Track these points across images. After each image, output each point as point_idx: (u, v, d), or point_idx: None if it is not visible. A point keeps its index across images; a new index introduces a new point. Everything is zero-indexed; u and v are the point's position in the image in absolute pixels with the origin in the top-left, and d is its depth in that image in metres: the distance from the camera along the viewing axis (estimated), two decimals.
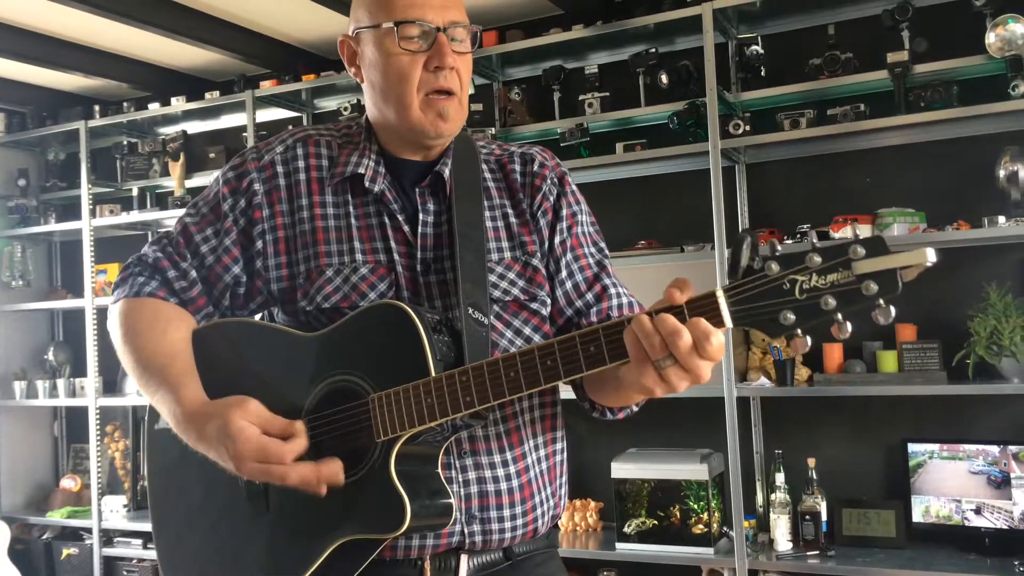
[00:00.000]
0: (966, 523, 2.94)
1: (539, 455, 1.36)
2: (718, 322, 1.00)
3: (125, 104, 4.42)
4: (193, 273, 1.37)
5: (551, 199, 1.40)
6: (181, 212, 4.46)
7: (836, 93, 3.18)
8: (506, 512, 1.29)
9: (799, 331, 0.96)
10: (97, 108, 4.46)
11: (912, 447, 3.04)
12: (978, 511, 2.92)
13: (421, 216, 1.34)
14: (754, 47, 3.27)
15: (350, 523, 1.18)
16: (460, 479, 1.28)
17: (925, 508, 3.01)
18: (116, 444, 4.45)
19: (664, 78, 3.36)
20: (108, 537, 4.24)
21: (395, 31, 1.28)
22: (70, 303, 4.44)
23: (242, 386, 1.24)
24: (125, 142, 4.52)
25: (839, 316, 0.94)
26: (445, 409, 1.15)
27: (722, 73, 3.24)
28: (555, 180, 1.41)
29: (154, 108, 4.29)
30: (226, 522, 1.30)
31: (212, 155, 4.31)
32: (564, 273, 1.39)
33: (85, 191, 4.34)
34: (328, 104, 4.19)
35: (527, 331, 1.34)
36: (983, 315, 2.81)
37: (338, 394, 1.23)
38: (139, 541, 4.13)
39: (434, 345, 1.18)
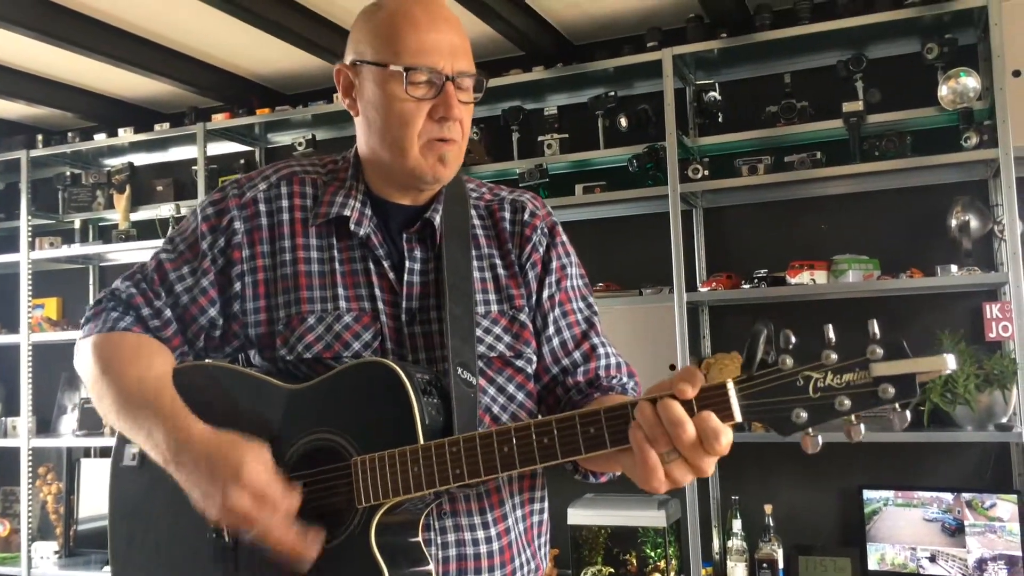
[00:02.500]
0: (921, 571, 2.93)
1: (519, 514, 1.30)
2: (727, 416, 0.95)
3: (70, 134, 4.28)
4: (167, 312, 1.30)
5: (540, 250, 1.34)
6: (125, 246, 4.32)
7: (791, 141, 3.22)
8: None
9: (810, 430, 0.93)
10: (40, 137, 4.32)
11: (867, 494, 3.04)
12: (933, 559, 2.92)
13: (408, 264, 1.28)
14: (712, 93, 3.30)
15: None
16: (438, 541, 1.21)
17: (880, 556, 3.00)
18: (48, 487, 4.24)
19: (623, 121, 3.37)
20: None
21: (404, 76, 1.21)
22: (4, 339, 4.25)
23: None
24: (68, 173, 4.39)
25: (853, 418, 0.92)
26: (433, 480, 1.09)
27: (680, 118, 3.25)
28: (545, 231, 1.36)
29: (100, 139, 4.16)
30: None
31: (160, 188, 4.20)
32: (552, 329, 1.33)
33: (24, 222, 4.18)
34: (282, 139, 4.12)
35: (511, 388, 1.29)
36: None
37: (319, 453, 1.15)
38: None
39: (423, 409, 1.11)
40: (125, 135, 4.09)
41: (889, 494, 3.01)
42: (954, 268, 2.91)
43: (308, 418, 1.17)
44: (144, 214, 4.19)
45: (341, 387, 1.16)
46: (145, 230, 4.15)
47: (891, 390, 0.89)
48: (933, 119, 3.01)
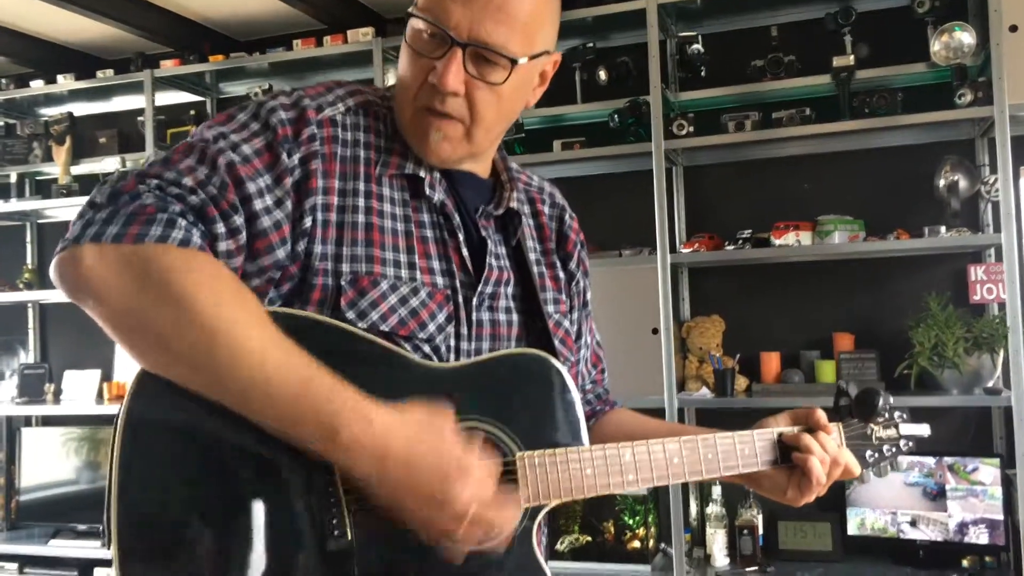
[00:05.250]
0: (901, 535, 2.91)
1: None
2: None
3: (4, 81, 4.03)
4: (243, 235, 0.97)
5: (582, 260, 1.28)
6: (65, 202, 4.00)
7: (777, 96, 3.11)
8: None
9: (871, 465, 1.29)
10: None
11: None
12: (913, 523, 2.90)
13: (490, 246, 1.14)
14: (695, 46, 3.16)
15: None
16: None
17: (861, 520, 2.97)
18: None
19: (603, 74, 3.22)
20: None
21: (408, 22, 1.05)
22: None
23: None
24: (2, 123, 4.15)
25: (887, 459, 1.29)
26: (607, 484, 1.07)
27: (660, 72, 3.11)
28: (581, 236, 1.29)
29: (37, 86, 3.91)
30: None
31: (103, 140, 3.99)
32: (584, 343, 1.29)
33: None
34: (236, 89, 3.90)
35: None
36: (926, 325, 2.77)
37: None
38: (13, 565, 3.74)
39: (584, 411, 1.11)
40: (65, 82, 3.85)
41: None
42: (942, 229, 2.84)
43: (461, 403, 1.01)
44: (86, 167, 3.95)
45: (500, 376, 1.08)
46: (87, 185, 3.90)
47: (907, 442, 1.31)
48: (922, 75, 2.93)
